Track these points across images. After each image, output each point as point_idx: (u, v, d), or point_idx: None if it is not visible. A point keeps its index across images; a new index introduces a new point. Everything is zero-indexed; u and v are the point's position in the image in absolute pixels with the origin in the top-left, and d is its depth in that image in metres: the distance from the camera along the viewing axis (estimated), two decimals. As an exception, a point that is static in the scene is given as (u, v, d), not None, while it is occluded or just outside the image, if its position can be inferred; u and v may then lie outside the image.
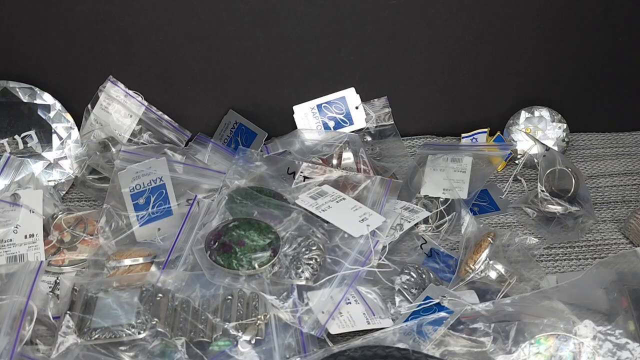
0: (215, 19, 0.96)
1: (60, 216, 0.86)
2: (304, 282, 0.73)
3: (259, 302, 0.71)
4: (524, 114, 1.04)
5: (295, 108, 1.03)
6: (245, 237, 0.75)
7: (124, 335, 0.66)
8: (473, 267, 0.78)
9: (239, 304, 0.71)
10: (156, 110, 1.00)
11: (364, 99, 1.04)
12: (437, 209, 0.89)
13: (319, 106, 1.03)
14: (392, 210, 0.85)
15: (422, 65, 1.03)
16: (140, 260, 0.78)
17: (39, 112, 0.96)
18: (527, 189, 0.98)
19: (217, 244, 0.75)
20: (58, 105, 0.97)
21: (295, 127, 1.02)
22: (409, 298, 0.76)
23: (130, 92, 0.99)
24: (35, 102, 0.96)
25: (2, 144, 0.94)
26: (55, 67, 0.98)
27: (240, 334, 0.68)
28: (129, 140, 0.98)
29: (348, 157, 0.94)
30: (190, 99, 1.03)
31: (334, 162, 0.94)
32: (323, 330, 0.70)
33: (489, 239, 0.79)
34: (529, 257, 0.83)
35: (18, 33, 0.95)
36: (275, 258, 0.75)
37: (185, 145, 1.00)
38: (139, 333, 0.66)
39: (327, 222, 0.80)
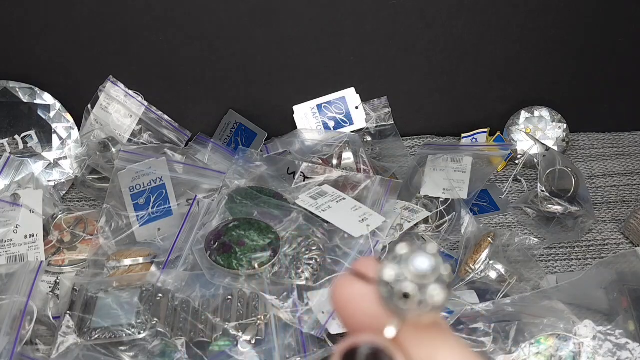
0: (215, 19, 0.96)
1: (60, 216, 0.86)
2: (304, 282, 0.73)
3: (259, 302, 0.71)
4: (524, 114, 1.04)
5: (295, 108, 1.02)
6: (245, 237, 0.75)
7: (124, 335, 0.66)
8: (473, 267, 0.78)
9: (239, 304, 0.71)
10: (156, 110, 1.00)
11: (364, 99, 1.04)
12: (437, 209, 0.89)
13: (319, 106, 1.03)
14: (392, 210, 0.85)
15: (422, 65, 1.03)
16: (140, 260, 0.78)
17: (39, 112, 0.96)
18: (527, 189, 0.98)
19: (217, 244, 0.75)
20: (58, 105, 0.97)
21: (295, 127, 1.02)
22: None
23: (130, 92, 0.98)
24: (35, 102, 0.96)
25: (2, 144, 0.94)
26: (55, 67, 0.98)
27: (240, 334, 0.68)
28: (129, 140, 0.98)
29: (348, 157, 0.94)
30: (190, 99, 1.03)
31: (334, 162, 0.93)
32: (323, 330, 0.70)
33: (489, 239, 0.79)
34: (529, 257, 0.82)
35: (18, 33, 0.95)
36: (275, 258, 0.75)
37: (185, 145, 1.00)
38: (139, 333, 0.66)
39: (327, 222, 0.80)
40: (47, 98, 0.96)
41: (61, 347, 0.65)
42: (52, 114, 0.96)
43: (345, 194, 0.85)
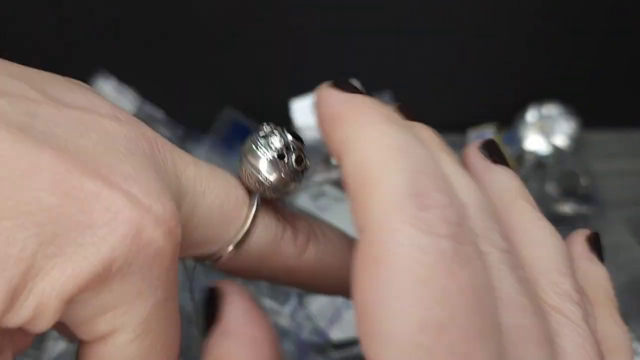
0: (213, 13, 0.94)
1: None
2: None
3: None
4: (533, 110, 1.03)
5: (295, 105, 1.01)
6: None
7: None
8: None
9: (235, 309, 0.69)
10: (150, 105, 0.99)
11: (367, 93, 1.02)
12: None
13: (320, 102, 1.01)
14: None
15: (426, 57, 1.02)
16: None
17: (31, 108, 0.95)
18: (536, 189, 0.97)
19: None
20: (50, 101, 0.95)
21: (295, 124, 1.01)
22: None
23: (124, 87, 0.97)
24: (27, 97, 0.95)
25: (-7, 141, 0.93)
26: (44, 61, 0.95)
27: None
28: (124, 137, 0.97)
29: (350, 154, 0.92)
30: (186, 95, 1.01)
31: (334, 161, 0.92)
32: (324, 336, 0.68)
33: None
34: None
35: (6, 26, 0.94)
36: (273, 261, 0.73)
37: (180, 142, 0.99)
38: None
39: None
40: (39, 93, 0.95)
41: (52, 353, 0.64)
42: (44, 110, 0.95)
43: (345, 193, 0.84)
